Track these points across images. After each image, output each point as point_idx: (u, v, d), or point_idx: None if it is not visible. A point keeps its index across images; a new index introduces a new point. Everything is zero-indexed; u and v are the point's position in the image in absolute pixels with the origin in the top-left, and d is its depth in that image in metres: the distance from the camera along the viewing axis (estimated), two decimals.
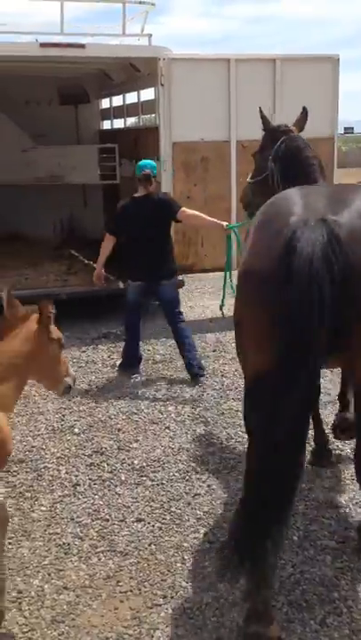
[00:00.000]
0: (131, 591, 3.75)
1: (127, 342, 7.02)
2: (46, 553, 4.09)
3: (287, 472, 3.15)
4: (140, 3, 9.17)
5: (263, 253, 3.33)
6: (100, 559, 4.02)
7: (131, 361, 6.98)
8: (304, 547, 4.08)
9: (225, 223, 7.21)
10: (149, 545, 4.13)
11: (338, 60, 9.37)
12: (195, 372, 6.72)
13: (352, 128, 48.93)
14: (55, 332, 3.54)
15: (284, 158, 4.86)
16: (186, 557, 4.01)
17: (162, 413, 6.00)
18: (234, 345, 7.46)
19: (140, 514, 4.45)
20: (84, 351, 7.72)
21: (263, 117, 5.32)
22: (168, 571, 3.90)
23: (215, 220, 7.13)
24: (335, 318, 3.03)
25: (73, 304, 9.01)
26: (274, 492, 3.11)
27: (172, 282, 6.97)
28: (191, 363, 6.75)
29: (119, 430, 5.70)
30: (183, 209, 6.85)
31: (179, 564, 3.95)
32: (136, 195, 6.89)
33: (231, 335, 7.94)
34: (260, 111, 5.38)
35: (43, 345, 3.47)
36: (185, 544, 4.14)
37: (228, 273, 7.27)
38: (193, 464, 5.10)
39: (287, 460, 3.13)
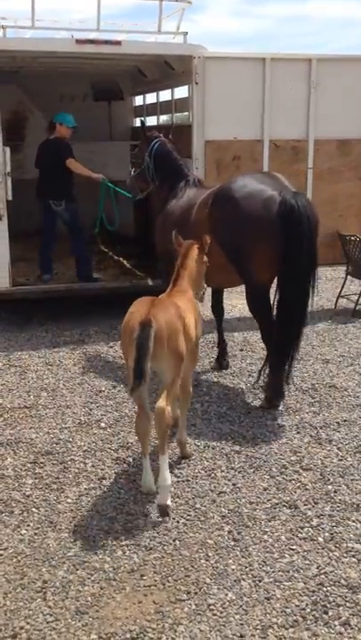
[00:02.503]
0: (155, 585, 3.76)
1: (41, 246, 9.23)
2: (71, 544, 4.12)
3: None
4: (177, 0, 9.15)
5: (260, 210, 5.72)
6: (124, 552, 4.05)
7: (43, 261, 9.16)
8: (329, 548, 4.06)
9: (101, 176, 9.02)
10: (173, 540, 4.14)
11: None
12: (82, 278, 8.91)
13: None
14: (205, 257, 5.28)
15: (156, 156, 7.26)
16: (210, 554, 4.02)
17: (188, 411, 5.98)
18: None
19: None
20: (111, 346, 7.75)
21: (143, 125, 8.02)
22: (192, 567, 3.91)
23: (90, 173, 8.95)
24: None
25: (101, 300, 9.09)
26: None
27: (64, 207, 9.00)
28: (80, 274, 8.95)
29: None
30: (70, 160, 8.83)
31: (203, 561, 3.96)
32: (48, 138, 9.20)
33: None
34: (142, 123, 8.19)
35: (201, 264, 5.24)
36: (209, 541, 4.14)
37: (101, 217, 9.08)
38: (219, 462, 5.11)
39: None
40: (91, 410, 6.06)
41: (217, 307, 7.30)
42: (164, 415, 4.39)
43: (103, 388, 6.53)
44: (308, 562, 3.92)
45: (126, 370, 4.61)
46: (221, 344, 7.17)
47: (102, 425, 5.75)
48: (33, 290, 8.66)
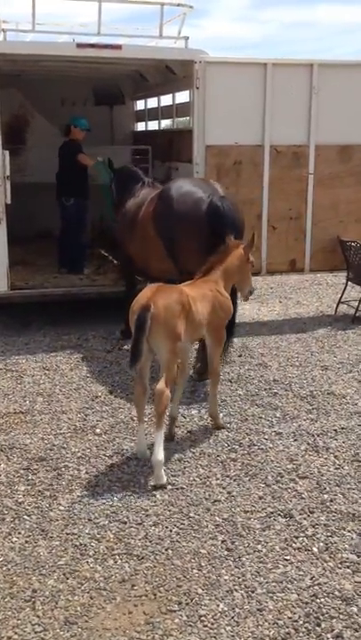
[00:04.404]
0: (145, 595, 3.71)
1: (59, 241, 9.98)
2: (62, 553, 4.07)
3: None
4: (178, 5, 9.12)
5: (191, 208, 6.72)
6: (115, 561, 3.99)
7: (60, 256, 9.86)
8: (323, 558, 4.00)
9: (98, 159, 9.25)
10: (166, 550, 4.08)
11: None
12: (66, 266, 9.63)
13: None
14: (251, 257, 5.83)
15: (119, 178, 8.42)
16: (203, 564, 3.96)
17: (185, 417, 5.95)
18: (260, 351, 7.45)
19: (158, 518, 4.41)
20: (109, 351, 7.71)
21: (110, 164, 8.81)
22: (184, 577, 3.85)
23: (88, 159, 9.42)
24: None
25: (100, 304, 9.05)
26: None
27: (71, 202, 9.61)
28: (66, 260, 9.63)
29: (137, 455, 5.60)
30: (82, 155, 9.47)
31: (195, 571, 3.90)
32: (64, 140, 9.88)
33: (259, 340, 7.91)
34: (109, 160, 8.88)
35: (244, 262, 5.76)
36: (202, 550, 4.08)
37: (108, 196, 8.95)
38: (214, 469, 5.05)
39: None
40: (86, 415, 6.01)
41: None
42: (163, 396, 4.86)
43: (100, 394, 6.48)
44: (301, 572, 3.86)
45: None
46: None
47: (97, 431, 5.70)
48: (31, 294, 8.62)
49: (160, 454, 4.75)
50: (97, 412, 6.07)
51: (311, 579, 3.82)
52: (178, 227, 6.79)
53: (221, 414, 5.97)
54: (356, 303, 8.97)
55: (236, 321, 8.75)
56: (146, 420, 5.41)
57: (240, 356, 7.56)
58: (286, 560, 3.99)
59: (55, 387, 6.67)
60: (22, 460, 5.19)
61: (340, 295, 9.40)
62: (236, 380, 6.82)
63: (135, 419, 5.75)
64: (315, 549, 4.09)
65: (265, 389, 6.60)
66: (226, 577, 3.84)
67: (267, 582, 3.80)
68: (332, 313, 9.33)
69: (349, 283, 9.19)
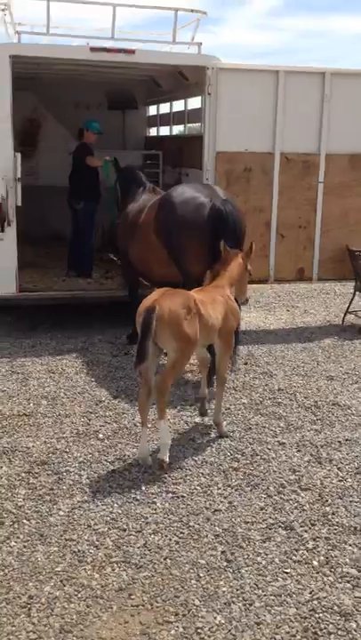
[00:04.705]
0: (142, 605, 3.67)
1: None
2: (60, 559, 4.04)
3: None
4: (192, 11, 9.13)
5: (193, 213, 6.85)
6: (113, 569, 3.96)
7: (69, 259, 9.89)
8: (324, 572, 3.96)
9: (106, 158, 9.28)
10: (164, 559, 4.05)
11: None
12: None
13: None
14: (249, 265, 6.00)
15: (122, 179, 8.45)
16: (201, 575, 3.92)
17: (188, 424, 5.93)
18: (266, 359, 7.42)
19: (157, 526, 4.38)
20: (115, 356, 7.69)
21: (116, 164, 8.79)
22: (182, 587, 3.82)
23: (97, 161, 9.47)
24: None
25: (108, 308, 9.05)
26: None
27: (81, 205, 9.65)
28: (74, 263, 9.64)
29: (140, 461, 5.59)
30: (89, 157, 9.52)
31: (193, 582, 3.87)
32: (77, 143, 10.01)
33: (265, 349, 7.88)
34: (115, 159, 8.89)
35: (242, 270, 5.93)
36: (201, 561, 4.05)
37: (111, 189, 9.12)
38: (216, 478, 5.01)
39: None
40: (90, 420, 5.99)
41: None
42: (163, 386, 5.11)
43: (104, 399, 6.47)
44: (301, 586, 3.82)
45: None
46: None
47: (100, 436, 5.68)
48: (39, 297, 8.63)
49: (166, 438, 5.13)
50: (100, 417, 6.05)
51: (310, 593, 3.78)
52: (181, 232, 6.87)
53: (225, 422, 5.94)
54: None
55: (243, 329, 8.77)
56: (150, 426, 5.40)
57: (245, 364, 7.53)
58: (286, 573, 3.95)
59: (60, 390, 6.66)
60: (24, 463, 5.17)
61: (347, 305, 9.35)
62: (240, 389, 6.79)
63: (139, 424, 5.74)
64: (315, 563, 4.04)
65: (269, 398, 6.56)
66: (224, 588, 3.81)
67: (265, 595, 3.76)
68: (339, 323, 9.28)
69: (357, 293, 9.15)
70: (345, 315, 9.27)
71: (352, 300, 9.28)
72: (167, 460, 5.08)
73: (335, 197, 8.99)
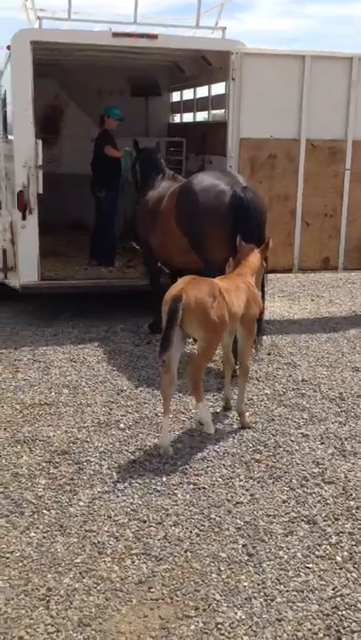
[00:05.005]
0: (162, 599, 3.62)
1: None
2: (80, 550, 4.01)
3: None
4: None
5: (214, 201, 6.80)
6: (133, 562, 3.91)
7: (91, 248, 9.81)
8: (347, 568, 3.87)
9: (125, 149, 9.19)
10: (185, 552, 3.99)
11: None
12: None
13: None
14: (265, 260, 6.04)
15: (142, 161, 8.27)
16: (222, 568, 3.86)
17: (211, 414, 5.85)
18: (290, 349, 7.32)
19: (178, 518, 4.32)
20: (137, 345, 7.64)
21: (136, 144, 8.48)
22: (202, 581, 3.76)
23: (115, 151, 9.42)
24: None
25: (130, 297, 8.99)
26: None
27: (103, 194, 9.58)
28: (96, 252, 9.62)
29: (160, 451, 5.54)
30: (106, 147, 9.44)
31: (214, 575, 3.80)
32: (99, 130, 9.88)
33: (289, 339, 7.77)
34: (135, 141, 8.54)
35: (259, 264, 5.92)
36: (222, 554, 3.98)
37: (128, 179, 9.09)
38: (238, 470, 4.94)
39: None
40: (111, 410, 5.95)
41: (174, 281, 8.40)
42: (196, 375, 5.29)
43: (125, 388, 6.42)
44: (323, 582, 3.74)
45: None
46: None
47: (121, 426, 5.63)
48: (61, 285, 8.59)
49: (207, 416, 5.44)
50: (122, 407, 6.00)
51: (333, 589, 3.69)
52: (202, 221, 6.81)
53: (247, 413, 5.86)
54: None
55: (266, 318, 8.66)
56: (171, 416, 5.35)
57: (269, 354, 7.43)
58: (308, 568, 3.87)
59: (81, 379, 6.63)
60: (45, 452, 5.14)
61: None
62: (263, 379, 6.69)
63: (160, 413, 5.69)
64: (338, 558, 3.96)
65: (293, 389, 6.46)
66: (245, 583, 3.74)
67: (287, 591, 3.68)
68: None
69: None
70: None
71: None
72: (212, 431, 5.40)
73: None
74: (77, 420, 5.73)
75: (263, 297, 6.56)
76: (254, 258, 5.89)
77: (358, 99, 8.63)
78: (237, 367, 6.24)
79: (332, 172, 8.76)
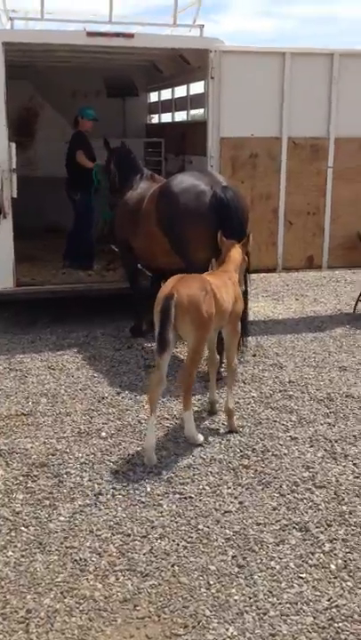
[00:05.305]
0: (149, 617, 3.42)
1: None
2: (61, 569, 3.79)
3: None
4: None
5: (194, 202, 6.65)
6: (117, 579, 3.70)
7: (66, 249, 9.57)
8: (342, 577, 3.69)
9: (96, 163, 9.18)
10: (172, 566, 3.79)
11: None
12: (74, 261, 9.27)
13: None
14: (246, 256, 5.94)
15: (120, 162, 8.05)
16: (211, 582, 3.66)
17: (195, 420, 5.64)
18: (275, 350, 7.15)
19: (164, 530, 4.12)
20: (118, 350, 7.42)
21: (106, 143, 8.31)
22: (191, 596, 3.56)
23: (86, 161, 9.20)
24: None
25: (109, 301, 8.77)
26: None
27: (78, 197, 9.31)
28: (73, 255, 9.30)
29: (144, 451, 5.34)
30: (79, 152, 9.21)
31: (203, 590, 3.60)
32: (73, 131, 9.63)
33: (275, 339, 7.61)
34: (105, 140, 8.32)
35: (241, 259, 5.85)
36: (211, 567, 3.78)
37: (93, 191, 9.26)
38: (225, 477, 4.74)
39: None
40: (92, 418, 5.73)
41: (155, 283, 7.84)
42: (188, 379, 5.14)
43: (106, 395, 6.20)
44: (318, 593, 3.56)
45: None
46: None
47: (103, 435, 5.41)
48: (38, 290, 8.36)
49: (192, 429, 5.17)
50: (103, 415, 5.79)
51: (329, 600, 3.51)
52: (184, 223, 6.66)
53: (234, 417, 5.67)
54: None
55: (251, 319, 8.49)
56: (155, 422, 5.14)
57: (254, 355, 7.25)
58: (302, 578, 3.68)
59: (60, 387, 6.40)
60: (22, 465, 4.91)
61: (359, 293, 9.04)
62: (249, 381, 6.51)
63: (143, 421, 5.49)
64: (332, 567, 3.77)
65: (280, 391, 6.28)
66: (236, 597, 3.54)
67: (280, 603, 3.49)
68: (350, 311, 8.99)
69: None
70: (356, 303, 8.97)
71: None
72: (200, 440, 5.19)
73: (345, 183, 8.65)
74: (56, 430, 5.51)
75: (246, 296, 6.42)
76: (236, 253, 5.82)
77: (340, 95, 8.49)
78: (223, 369, 6.09)
79: (314, 170, 8.61)
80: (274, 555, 3.88)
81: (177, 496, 4.49)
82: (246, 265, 6.04)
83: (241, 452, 5.12)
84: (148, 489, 4.57)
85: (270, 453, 5.08)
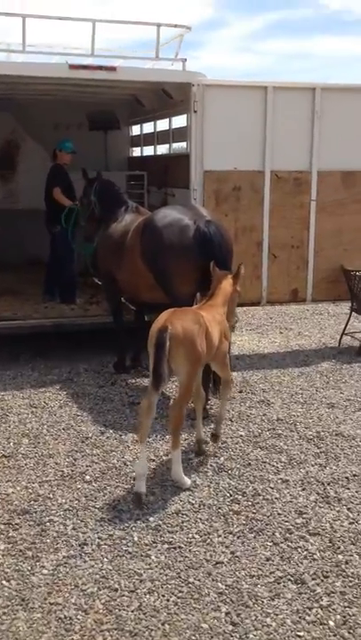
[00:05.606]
0: None
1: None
2: (45, 628, 3.57)
3: None
4: (175, 26, 8.80)
5: (178, 237, 6.59)
6: (105, 639, 3.49)
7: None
8: (342, 635, 3.51)
9: (70, 203, 9.01)
10: (162, 624, 3.59)
11: None
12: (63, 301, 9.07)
13: None
14: (238, 287, 5.82)
15: (101, 192, 7.94)
16: None
17: (183, 462, 5.46)
18: (262, 386, 7.02)
19: (153, 584, 3.92)
20: (101, 386, 7.24)
21: (84, 172, 8.19)
22: None
23: (66, 202, 9.02)
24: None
25: (93, 335, 8.60)
26: None
27: (57, 229, 9.06)
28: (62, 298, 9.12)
29: (135, 480, 5.17)
30: (56, 189, 9.09)
31: None
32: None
33: (260, 375, 7.47)
34: (83, 170, 8.21)
35: (233, 291, 5.76)
36: (204, 625, 3.59)
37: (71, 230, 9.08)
38: (215, 524, 4.56)
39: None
40: (75, 460, 5.53)
41: (139, 317, 8.05)
42: (178, 415, 4.98)
43: (90, 435, 6.01)
44: None
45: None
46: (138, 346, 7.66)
47: (87, 478, 5.21)
48: (19, 325, 8.17)
49: (179, 471, 5.00)
50: (87, 456, 5.58)
51: None
52: (167, 258, 6.61)
53: (222, 458, 5.51)
54: None
55: (236, 353, 8.38)
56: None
57: (241, 391, 7.10)
58: (299, 637, 3.50)
59: (42, 427, 6.20)
60: (3, 512, 4.69)
61: (343, 326, 8.97)
62: (237, 419, 6.35)
63: (129, 462, 5.30)
64: (331, 623, 3.59)
65: (268, 429, 6.13)
66: None
67: None
68: (335, 345, 8.90)
69: (353, 313, 8.78)
70: (341, 336, 8.89)
71: (348, 321, 8.89)
72: (188, 484, 5.02)
73: (328, 216, 8.64)
74: (39, 473, 5.30)
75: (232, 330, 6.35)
76: (227, 285, 5.76)
77: (322, 129, 8.50)
78: (209, 406, 5.95)
79: (297, 204, 8.59)
80: (269, 610, 3.69)
81: (165, 546, 4.30)
82: (238, 296, 5.96)
83: (231, 495, 4.94)
84: (136, 538, 4.37)
85: (261, 497, 4.90)
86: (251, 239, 8.42)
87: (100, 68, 8.17)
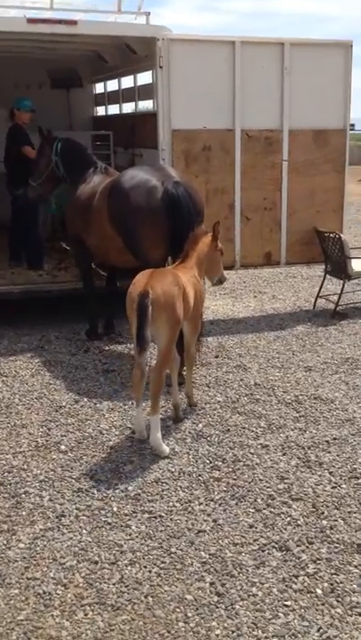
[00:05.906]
0: None
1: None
2: (23, 604, 3.43)
3: None
4: None
5: (145, 199, 6.39)
6: (86, 614, 3.37)
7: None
8: (330, 603, 3.43)
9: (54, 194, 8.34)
10: (145, 597, 3.47)
11: (351, 45, 8.62)
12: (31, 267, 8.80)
13: (353, 125, 48.15)
14: (219, 244, 5.69)
15: (63, 152, 7.52)
16: (189, 614, 3.36)
17: (161, 428, 5.33)
18: (238, 351, 6.89)
19: (134, 555, 3.80)
20: (74, 354, 7.05)
21: (41, 130, 7.80)
22: (168, 632, 3.25)
23: (33, 153, 8.37)
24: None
25: (63, 302, 8.37)
26: None
27: (21, 192, 8.47)
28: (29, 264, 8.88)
29: (111, 448, 5.04)
30: (27, 147, 8.64)
31: (181, 624, 3.30)
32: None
33: (236, 339, 7.35)
34: (39, 128, 7.85)
35: (211, 250, 5.63)
36: (188, 596, 3.48)
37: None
38: (196, 492, 4.45)
39: None
40: (49, 430, 5.36)
41: (110, 282, 7.79)
42: (159, 379, 4.95)
43: (64, 403, 5.84)
44: (306, 623, 3.29)
45: (130, 336, 5.08)
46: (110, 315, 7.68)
47: (62, 448, 5.05)
48: None
49: (158, 438, 4.88)
50: (61, 426, 5.42)
51: (318, 630, 3.24)
52: (135, 220, 6.43)
53: (200, 424, 5.40)
54: (336, 297, 8.46)
55: (210, 318, 8.23)
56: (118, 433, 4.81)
57: (217, 357, 6.97)
58: (287, 606, 3.41)
59: (14, 396, 6.00)
60: None
61: (317, 289, 8.88)
62: (214, 385, 6.23)
63: (105, 431, 5.15)
64: (318, 591, 3.51)
65: (246, 395, 6.02)
66: (218, 631, 3.25)
67: (266, 637, 3.21)
68: (310, 308, 8.80)
69: (328, 276, 8.68)
70: (316, 299, 8.80)
71: (322, 283, 8.80)
72: (166, 452, 4.91)
73: (300, 176, 8.45)
74: (12, 444, 5.12)
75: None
76: (204, 245, 5.62)
77: (292, 86, 8.27)
78: (184, 371, 5.81)
79: (269, 164, 8.38)
80: (255, 579, 3.60)
81: (146, 515, 4.18)
82: (221, 254, 5.81)
83: (211, 462, 4.83)
84: (115, 508, 4.24)
85: (242, 463, 4.80)
86: (223, 201, 8.22)
87: (60, 21, 7.79)
